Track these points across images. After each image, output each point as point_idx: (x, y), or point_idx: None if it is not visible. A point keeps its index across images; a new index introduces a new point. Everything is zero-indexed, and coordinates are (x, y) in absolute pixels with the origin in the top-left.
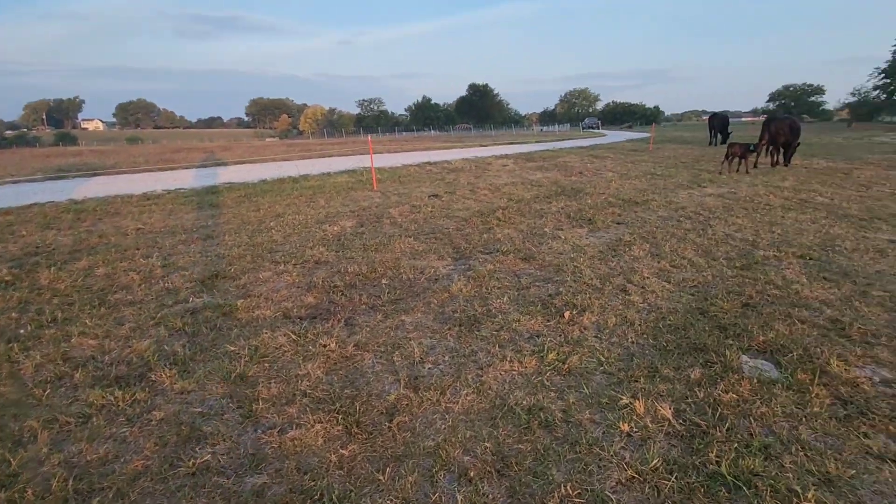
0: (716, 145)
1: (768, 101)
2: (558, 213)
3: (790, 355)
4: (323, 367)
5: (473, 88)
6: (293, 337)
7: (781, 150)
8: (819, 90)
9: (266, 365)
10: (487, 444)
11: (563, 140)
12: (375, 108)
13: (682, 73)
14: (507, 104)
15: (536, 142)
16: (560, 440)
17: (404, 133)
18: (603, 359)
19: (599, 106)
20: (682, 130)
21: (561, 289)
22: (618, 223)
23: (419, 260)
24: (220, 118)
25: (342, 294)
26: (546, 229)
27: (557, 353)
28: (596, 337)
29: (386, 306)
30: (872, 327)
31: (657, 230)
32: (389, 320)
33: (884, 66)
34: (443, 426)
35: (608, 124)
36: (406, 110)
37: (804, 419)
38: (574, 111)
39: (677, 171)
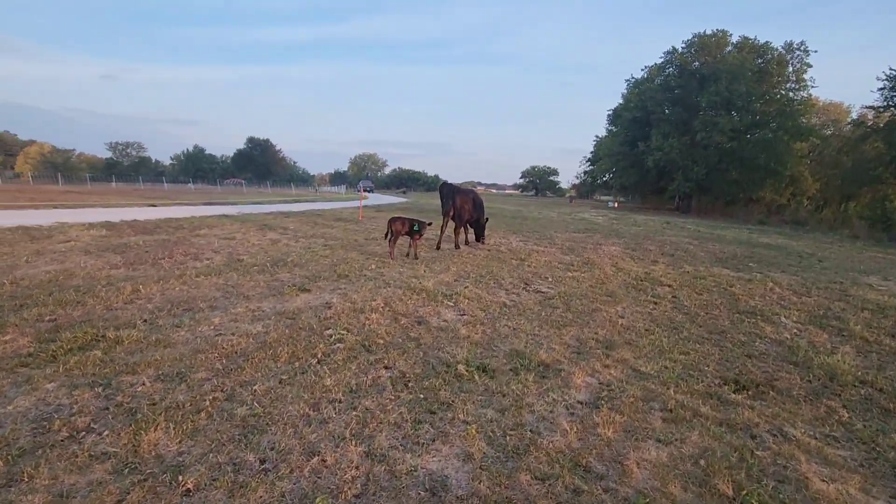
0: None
1: (521, 177)
2: None
3: None
4: None
5: (253, 142)
6: None
7: (470, 227)
8: (555, 172)
9: None
10: None
11: (314, 201)
12: (134, 153)
13: (461, 148)
14: (294, 162)
15: (270, 202)
16: None
17: (168, 185)
18: None
19: (387, 170)
20: None
21: None
22: None
23: None
24: None
25: None
26: None
27: None
28: None
29: None
30: None
31: None
32: None
33: (589, 156)
34: None
35: (393, 188)
36: (172, 159)
37: None
38: (364, 173)
39: (332, 253)
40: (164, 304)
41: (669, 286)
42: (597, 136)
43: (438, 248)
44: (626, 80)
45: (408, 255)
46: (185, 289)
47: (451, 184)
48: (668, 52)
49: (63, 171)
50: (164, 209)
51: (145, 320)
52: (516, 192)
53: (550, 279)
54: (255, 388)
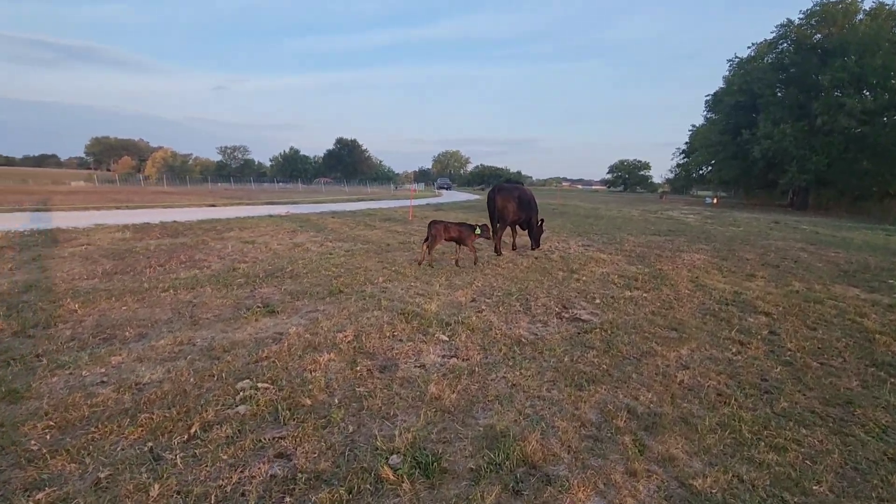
0: None
1: (608, 172)
2: None
3: None
4: None
5: (342, 143)
6: None
7: (519, 229)
8: (646, 166)
9: None
10: None
11: (377, 199)
12: (240, 156)
13: (547, 144)
14: (380, 161)
15: (333, 201)
16: None
17: (264, 184)
18: None
19: (469, 168)
20: None
21: None
22: None
23: None
24: (55, 156)
25: None
26: None
27: None
28: None
29: None
30: None
31: None
32: None
33: (683, 147)
34: None
35: (474, 185)
36: (271, 160)
37: None
38: (447, 171)
39: (347, 260)
40: (88, 329)
41: (767, 314)
42: (692, 126)
43: (499, 252)
44: (729, 61)
45: (472, 261)
46: (136, 307)
47: (506, 183)
48: (782, 26)
49: (179, 173)
50: (220, 209)
51: (38, 356)
52: (603, 187)
53: (599, 300)
54: (38, 497)
